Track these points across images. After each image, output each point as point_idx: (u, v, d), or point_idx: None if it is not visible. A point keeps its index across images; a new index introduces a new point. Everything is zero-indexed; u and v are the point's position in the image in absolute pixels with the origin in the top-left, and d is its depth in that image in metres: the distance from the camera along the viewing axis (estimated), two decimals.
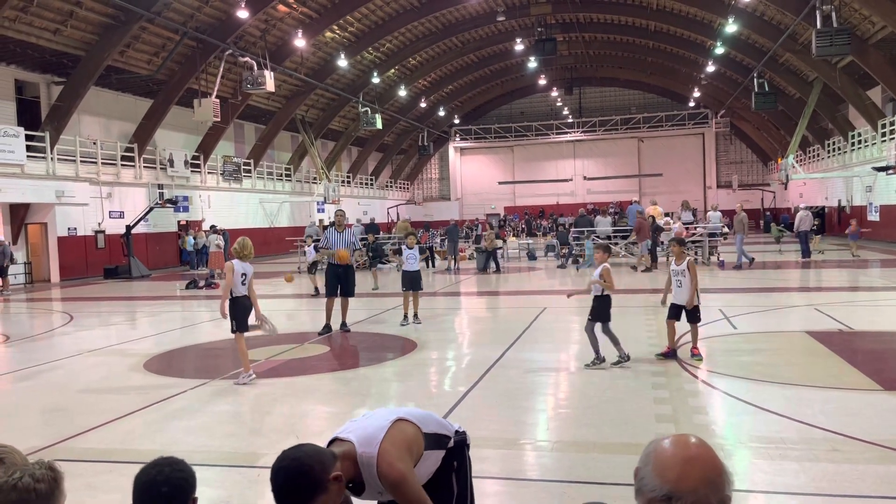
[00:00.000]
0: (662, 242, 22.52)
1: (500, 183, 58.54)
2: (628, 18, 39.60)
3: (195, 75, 28.92)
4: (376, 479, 2.60)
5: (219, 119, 29.96)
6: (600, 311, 8.52)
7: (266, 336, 9.01)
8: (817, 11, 24.31)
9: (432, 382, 8.61)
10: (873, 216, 30.53)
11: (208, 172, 34.00)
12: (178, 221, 31.89)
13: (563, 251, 25.24)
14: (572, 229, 26.41)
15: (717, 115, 52.52)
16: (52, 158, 24.48)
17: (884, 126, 29.29)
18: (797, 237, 24.07)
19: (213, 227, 27.51)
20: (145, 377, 8.91)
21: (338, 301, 11.92)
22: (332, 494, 2.37)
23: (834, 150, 37.51)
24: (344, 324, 11.89)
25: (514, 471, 5.37)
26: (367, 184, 52.76)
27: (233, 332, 8.46)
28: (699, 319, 8.83)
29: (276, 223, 39.35)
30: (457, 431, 3.04)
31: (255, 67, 29.52)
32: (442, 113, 52.62)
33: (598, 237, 24.41)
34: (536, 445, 5.96)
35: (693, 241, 24.34)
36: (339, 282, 11.81)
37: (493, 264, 23.05)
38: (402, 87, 43.28)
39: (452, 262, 25.01)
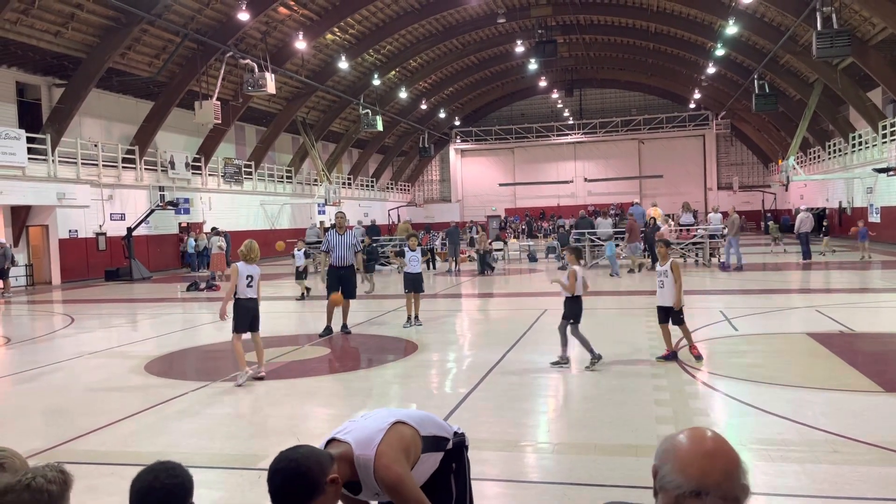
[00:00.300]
0: None
1: (500, 185, 58.52)
2: (629, 20, 39.62)
3: (196, 77, 28.95)
4: (373, 481, 2.60)
5: (219, 121, 29.99)
6: (568, 311, 8.68)
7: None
8: (817, 13, 24.32)
9: (433, 384, 8.61)
10: (874, 218, 30.51)
11: (209, 174, 34.01)
12: (179, 224, 31.91)
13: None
14: (573, 231, 26.39)
15: (717, 116, 52.51)
16: (53, 161, 24.50)
17: (884, 127, 29.27)
18: (798, 239, 24.06)
19: (214, 229, 27.52)
20: (146, 379, 8.92)
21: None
22: (330, 496, 2.37)
23: (834, 151, 37.51)
24: (345, 326, 11.90)
25: (515, 473, 5.37)
26: (367, 186, 52.79)
27: (249, 331, 8.57)
28: (682, 321, 8.79)
29: (276, 225, 39.37)
30: (455, 433, 3.04)
31: (256, 69, 29.54)
32: (442, 115, 52.65)
33: (598, 239, 24.43)
34: (537, 447, 5.96)
35: (693, 243, 24.37)
36: (341, 283, 11.83)
37: (485, 266, 23.09)
38: (403, 89, 43.31)
39: (453, 263, 25.02)
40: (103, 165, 27.39)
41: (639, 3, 36.66)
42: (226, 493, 5.05)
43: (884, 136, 29.26)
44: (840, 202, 36.84)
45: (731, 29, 31.12)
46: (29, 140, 23.46)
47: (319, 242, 21.93)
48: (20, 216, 24.96)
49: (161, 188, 29.22)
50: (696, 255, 24.07)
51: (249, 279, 8.49)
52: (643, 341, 10.00)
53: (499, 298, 17.48)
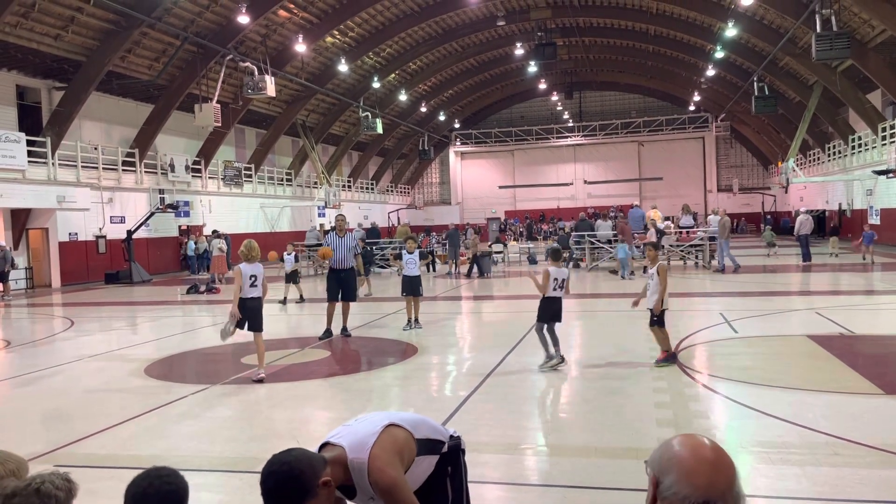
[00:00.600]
0: (662, 246, 22.52)
1: (500, 187, 58.57)
2: (628, 23, 39.67)
3: (196, 80, 28.97)
4: (367, 484, 2.60)
5: (219, 124, 30.01)
6: (541, 312, 8.78)
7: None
8: (817, 15, 24.34)
9: (433, 387, 8.60)
10: (874, 220, 30.51)
11: (209, 177, 34.02)
12: (179, 226, 31.92)
13: (564, 255, 25.20)
14: (573, 233, 26.39)
15: (717, 118, 52.54)
16: (53, 164, 24.51)
17: (884, 129, 29.30)
18: (798, 241, 24.04)
19: (214, 231, 27.52)
20: (146, 382, 8.91)
21: (338, 305, 11.92)
22: (322, 499, 2.37)
23: (834, 153, 37.52)
24: (345, 328, 11.89)
25: (515, 476, 5.37)
26: (367, 188, 52.80)
27: (249, 330, 8.62)
28: (657, 323, 8.72)
29: (276, 228, 39.38)
30: (451, 436, 3.03)
31: (256, 72, 29.56)
32: (442, 117, 52.70)
33: (598, 241, 24.43)
34: (537, 450, 5.96)
35: (693, 245, 24.37)
36: (341, 286, 11.83)
37: (475, 268, 23.05)
38: (403, 91, 43.35)
39: (453, 266, 25.01)
40: (103, 168, 27.40)
41: (638, 5, 36.70)
42: (225, 496, 5.04)
43: (883, 138, 29.28)
44: (840, 204, 36.85)
45: (731, 31, 31.18)
46: (29, 143, 23.47)
47: (319, 245, 21.95)
48: (20, 219, 24.97)
49: (161, 191, 29.23)
50: (696, 257, 24.07)
51: (253, 279, 8.55)
52: (643, 343, 9.99)
53: (499, 301, 17.47)
